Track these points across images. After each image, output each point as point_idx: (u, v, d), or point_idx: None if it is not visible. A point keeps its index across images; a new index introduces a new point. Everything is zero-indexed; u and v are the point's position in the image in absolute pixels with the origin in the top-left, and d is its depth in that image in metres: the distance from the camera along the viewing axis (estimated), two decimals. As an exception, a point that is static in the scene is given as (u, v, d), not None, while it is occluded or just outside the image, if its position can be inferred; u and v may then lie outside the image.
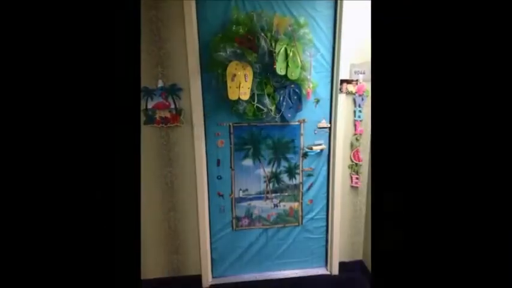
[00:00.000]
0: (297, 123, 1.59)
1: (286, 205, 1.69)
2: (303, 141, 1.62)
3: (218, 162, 1.59)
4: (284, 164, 1.64)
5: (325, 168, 1.68)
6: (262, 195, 1.66)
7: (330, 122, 1.62)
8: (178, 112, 1.45)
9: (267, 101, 1.44)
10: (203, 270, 1.64)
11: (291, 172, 1.66)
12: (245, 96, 1.39)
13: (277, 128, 1.58)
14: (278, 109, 1.48)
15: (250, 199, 1.65)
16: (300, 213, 1.71)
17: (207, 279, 1.66)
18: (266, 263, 1.74)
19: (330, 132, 1.63)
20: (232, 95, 1.37)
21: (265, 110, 1.45)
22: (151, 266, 1.61)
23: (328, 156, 1.66)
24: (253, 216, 1.68)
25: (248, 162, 1.61)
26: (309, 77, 1.46)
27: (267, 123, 1.56)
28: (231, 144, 1.57)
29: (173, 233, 1.60)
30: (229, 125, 1.55)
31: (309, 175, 1.67)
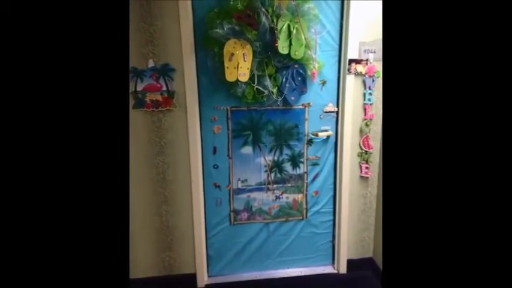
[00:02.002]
0: (301, 107, 1.55)
1: (289, 197, 1.65)
2: (308, 127, 1.58)
3: (214, 150, 1.55)
4: (287, 151, 1.61)
5: (332, 156, 1.64)
6: (263, 186, 1.62)
7: (338, 106, 1.58)
8: (171, 95, 1.40)
9: (268, 82, 1.40)
10: (198, 269, 1.61)
11: (295, 161, 1.62)
12: (244, 78, 1.34)
13: (279, 112, 1.55)
14: (280, 92, 1.44)
15: (250, 190, 1.62)
16: (304, 206, 1.67)
17: (203, 278, 1.62)
18: (267, 261, 1.71)
19: (338, 116, 1.59)
20: (230, 76, 1.33)
21: (266, 92, 1.41)
22: (142, 264, 1.57)
23: (336, 143, 1.63)
24: (253, 209, 1.64)
25: (247, 150, 1.57)
26: (314, 56, 1.41)
27: (268, 107, 1.52)
28: (228, 130, 1.53)
29: (165, 228, 1.56)
30: (227, 109, 1.51)
31: (314, 164, 1.63)
